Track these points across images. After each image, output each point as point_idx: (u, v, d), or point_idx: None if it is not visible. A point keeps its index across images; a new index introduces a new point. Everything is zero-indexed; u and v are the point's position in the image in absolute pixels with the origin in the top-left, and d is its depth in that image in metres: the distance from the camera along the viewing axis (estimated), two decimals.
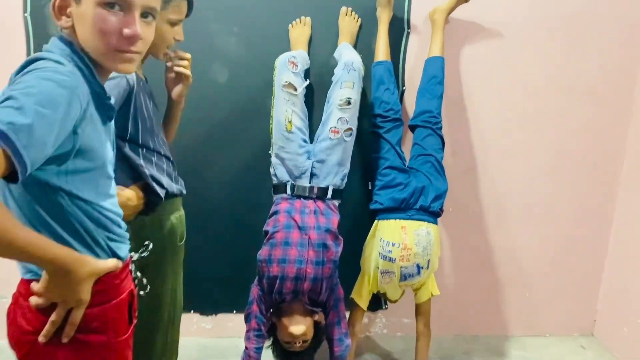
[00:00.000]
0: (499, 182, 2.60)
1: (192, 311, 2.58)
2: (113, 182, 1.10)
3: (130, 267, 1.20)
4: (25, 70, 0.91)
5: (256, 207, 2.34)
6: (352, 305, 2.24)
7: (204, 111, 2.31)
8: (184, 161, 2.29)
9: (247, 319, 2.03)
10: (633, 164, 2.58)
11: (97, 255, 1.03)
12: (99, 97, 1.02)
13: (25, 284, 1.01)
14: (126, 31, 0.97)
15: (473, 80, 2.48)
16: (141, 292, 1.31)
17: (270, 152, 2.14)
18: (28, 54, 2.21)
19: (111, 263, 1.04)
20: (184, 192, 1.64)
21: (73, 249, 0.98)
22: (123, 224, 1.13)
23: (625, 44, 2.51)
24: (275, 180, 2.10)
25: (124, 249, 1.12)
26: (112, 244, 1.07)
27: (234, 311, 2.58)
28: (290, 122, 2.05)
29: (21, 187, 0.95)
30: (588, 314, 2.81)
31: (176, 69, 1.56)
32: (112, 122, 1.11)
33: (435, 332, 2.33)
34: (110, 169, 1.08)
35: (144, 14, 1.01)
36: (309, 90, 2.24)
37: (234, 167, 2.40)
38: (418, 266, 2.11)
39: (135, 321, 1.16)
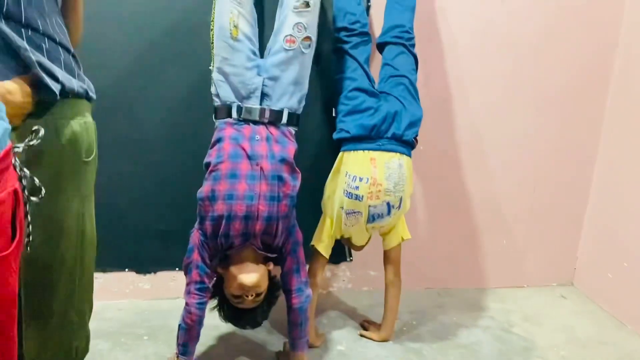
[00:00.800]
0: (476, 115, 2.33)
1: (126, 269, 2.22)
2: None
3: (13, 161, 0.85)
4: None
5: (197, 137, 1.97)
6: (312, 253, 1.93)
7: (132, 28, 1.93)
8: (109, 88, 1.93)
9: (187, 270, 1.68)
10: (617, 101, 2.35)
11: None
12: None
13: None
14: None
15: None
16: (33, 198, 0.95)
17: (210, 67, 1.75)
18: None
19: None
20: (92, 95, 1.25)
21: None
22: None
23: None
24: (217, 102, 1.72)
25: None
26: None
27: (177, 269, 2.23)
28: (236, 26, 1.66)
29: None
30: (568, 262, 2.60)
31: None
32: None
33: (406, 285, 2.04)
34: None
35: None
36: None
37: (167, 87, 2.03)
38: (389, 205, 1.81)
39: (21, 238, 0.84)
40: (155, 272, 2.25)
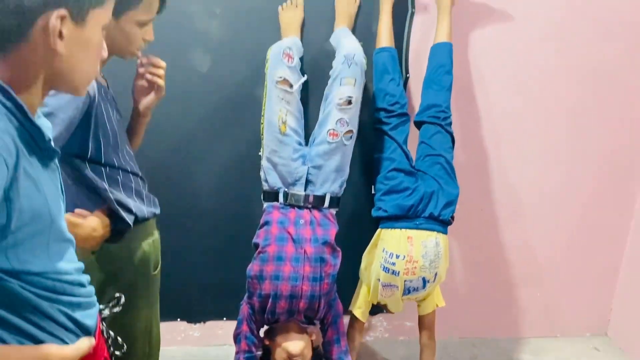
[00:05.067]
0: (511, 175, 2.39)
1: (178, 319, 2.39)
2: (65, 230, 0.88)
3: (102, 328, 1.00)
4: None
5: (244, 209, 2.15)
6: (350, 318, 2.06)
7: (183, 105, 2.06)
8: (164, 162, 2.09)
9: (237, 340, 1.85)
10: None
11: (58, 339, 0.84)
12: (34, 138, 0.78)
13: None
14: (104, 54, 0.87)
15: (484, 66, 2.24)
16: (117, 353, 1.11)
17: (260, 153, 1.90)
18: None
19: (83, 346, 0.86)
20: (157, 212, 1.41)
21: (30, 337, 0.81)
22: (86, 279, 0.92)
23: None
24: (266, 187, 1.87)
25: (92, 313, 0.92)
26: (75, 314, 0.87)
27: (224, 318, 2.40)
28: (284, 123, 1.80)
29: None
30: (603, 313, 2.65)
31: (148, 77, 1.32)
32: (57, 162, 0.87)
33: (440, 335, 2.15)
34: (61, 219, 0.86)
35: None
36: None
37: (220, 167, 2.17)
38: (424, 280, 1.91)
39: None
40: (204, 322, 2.42)
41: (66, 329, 0.86)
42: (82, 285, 0.91)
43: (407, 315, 2.44)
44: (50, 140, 0.82)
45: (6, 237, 0.73)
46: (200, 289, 2.33)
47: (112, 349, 1.06)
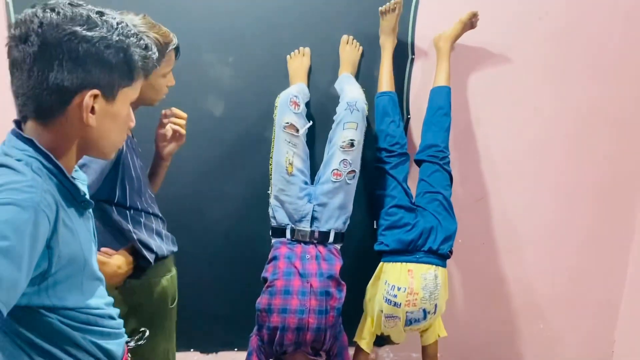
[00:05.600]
0: (510, 211, 2.49)
1: (192, 349, 2.49)
2: (97, 270, 1.01)
3: (127, 357, 1.12)
4: None
5: (254, 245, 2.25)
6: (355, 349, 2.14)
7: (198, 147, 2.19)
8: (179, 199, 2.23)
9: None
10: None
11: None
12: (71, 195, 0.92)
13: None
14: (131, 124, 1.01)
15: (482, 108, 2.37)
16: None
17: (269, 192, 2.03)
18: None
19: None
20: (175, 250, 1.54)
21: None
22: (115, 312, 1.05)
23: None
24: (274, 223, 2.00)
25: (119, 343, 1.04)
26: (105, 343, 0.99)
27: (235, 349, 2.49)
28: (291, 164, 1.94)
29: None
30: (606, 344, 2.70)
31: (172, 127, 1.48)
32: (90, 211, 1.01)
33: None
34: (93, 261, 0.99)
35: None
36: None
37: (231, 205, 2.30)
38: (424, 311, 2.00)
39: None
40: (216, 352, 2.52)
41: (95, 357, 0.98)
42: (112, 317, 1.03)
43: (412, 347, 2.51)
44: (85, 194, 0.96)
45: (47, 279, 0.86)
46: (213, 321, 2.42)
47: None
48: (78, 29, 0.85)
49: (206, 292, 2.35)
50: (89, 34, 0.86)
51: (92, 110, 0.89)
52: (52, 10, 0.85)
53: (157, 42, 1.32)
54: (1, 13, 2.06)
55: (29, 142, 0.88)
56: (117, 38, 0.89)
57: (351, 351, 2.13)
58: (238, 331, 2.29)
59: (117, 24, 0.90)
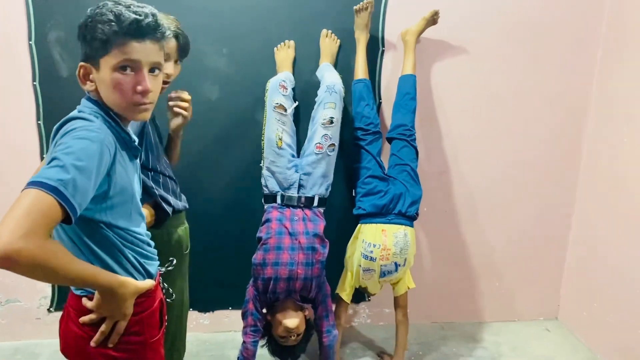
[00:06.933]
0: (469, 183, 2.86)
1: (190, 309, 2.78)
2: (141, 208, 1.32)
3: (159, 279, 1.43)
4: (63, 129, 1.12)
5: (248, 214, 2.58)
6: (337, 299, 2.48)
7: (198, 127, 2.49)
8: (184, 172, 2.49)
9: (244, 317, 2.26)
10: (589, 164, 2.85)
11: (133, 276, 1.25)
12: (125, 141, 1.23)
13: (76, 298, 1.23)
14: (138, 88, 1.17)
15: (444, 93, 2.72)
16: (168, 300, 1.53)
17: (261, 164, 2.36)
18: (34, 79, 2.38)
19: (148, 283, 1.27)
20: (187, 206, 1.86)
21: (115, 273, 1.19)
22: (152, 242, 1.35)
23: (580, 52, 2.76)
24: (266, 191, 2.33)
25: (154, 265, 1.35)
26: (145, 262, 1.29)
27: (229, 308, 2.81)
28: (280, 139, 2.27)
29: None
30: (553, 300, 3.10)
31: (176, 109, 1.77)
32: (138, 160, 1.32)
33: (414, 319, 2.59)
34: (138, 199, 1.30)
35: (151, 70, 1.21)
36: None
37: (228, 177, 2.62)
38: (396, 264, 2.35)
39: (165, 324, 1.38)
40: (212, 311, 2.83)
41: (137, 270, 1.27)
42: (149, 244, 1.34)
43: (385, 303, 2.87)
44: (135, 141, 1.27)
45: (106, 201, 1.16)
46: (209, 282, 2.70)
47: (165, 296, 1.49)
48: (81, 21, 1.17)
49: (204, 255, 2.60)
50: (82, 21, 1.17)
51: (86, 78, 1.20)
52: (94, 7, 1.16)
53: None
54: (22, 12, 2.33)
55: (95, 102, 1.21)
56: (90, 20, 1.15)
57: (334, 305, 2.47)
58: (232, 292, 2.60)
59: (96, 8, 1.16)
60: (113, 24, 1.13)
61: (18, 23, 2.33)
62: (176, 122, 1.83)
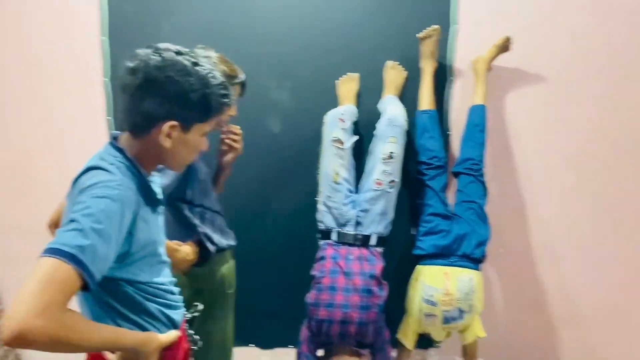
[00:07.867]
0: (548, 224, 2.59)
1: (249, 345, 2.75)
2: (165, 256, 1.28)
3: (185, 326, 1.39)
4: (82, 182, 1.08)
5: (305, 247, 2.47)
6: (399, 345, 2.32)
7: (259, 158, 2.48)
8: (241, 202, 2.50)
9: (298, 359, 2.17)
10: None
11: (157, 329, 1.22)
12: (148, 194, 1.20)
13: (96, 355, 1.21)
14: (202, 149, 1.25)
15: (518, 125, 2.52)
16: (194, 347, 1.49)
17: (317, 198, 2.29)
18: (108, 114, 2.50)
19: (172, 335, 1.23)
20: (234, 244, 1.82)
21: (139, 326, 1.17)
22: (176, 290, 1.31)
23: None
24: (322, 226, 2.25)
25: (179, 312, 1.31)
26: (168, 312, 1.26)
27: (289, 345, 2.72)
28: (337, 174, 2.20)
29: None
30: None
31: (228, 142, 1.77)
32: (162, 207, 1.29)
33: None
34: (161, 249, 1.27)
35: None
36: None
37: (284, 210, 2.57)
38: (460, 310, 2.16)
39: None
40: (272, 348, 2.77)
41: (161, 322, 1.24)
42: (172, 293, 1.30)
43: (457, 351, 2.64)
44: (157, 194, 1.24)
45: (127, 259, 1.13)
46: (269, 318, 2.66)
47: (191, 343, 1.44)
48: (172, 74, 1.11)
49: (262, 289, 2.60)
50: (180, 80, 1.11)
51: (170, 136, 1.15)
52: (160, 54, 1.11)
53: (226, 75, 1.60)
54: (97, 49, 2.47)
55: (120, 150, 1.18)
56: (202, 86, 1.13)
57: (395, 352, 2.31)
58: (293, 329, 2.48)
59: (207, 74, 1.14)
60: (225, 95, 1.16)
61: (93, 58, 2.46)
62: (228, 156, 1.84)
